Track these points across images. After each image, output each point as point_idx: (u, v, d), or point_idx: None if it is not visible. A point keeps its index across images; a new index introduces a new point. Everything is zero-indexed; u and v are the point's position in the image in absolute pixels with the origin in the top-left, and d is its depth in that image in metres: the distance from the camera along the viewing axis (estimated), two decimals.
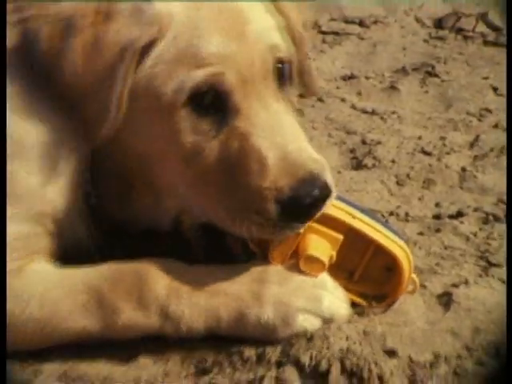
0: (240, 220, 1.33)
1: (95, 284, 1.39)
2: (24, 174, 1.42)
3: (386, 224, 1.44)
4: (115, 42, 1.34)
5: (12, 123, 1.42)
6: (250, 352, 1.28)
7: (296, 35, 1.48)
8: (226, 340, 1.34)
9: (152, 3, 1.37)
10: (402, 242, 1.38)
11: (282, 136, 1.36)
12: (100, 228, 1.52)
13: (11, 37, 1.44)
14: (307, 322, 1.34)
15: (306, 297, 1.35)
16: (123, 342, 1.37)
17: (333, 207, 1.36)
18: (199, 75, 1.33)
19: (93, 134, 1.38)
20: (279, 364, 1.26)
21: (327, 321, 1.34)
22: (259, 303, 1.35)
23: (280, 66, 1.41)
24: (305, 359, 1.24)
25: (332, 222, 1.36)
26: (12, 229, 1.42)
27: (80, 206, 1.48)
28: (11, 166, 1.40)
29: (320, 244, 1.36)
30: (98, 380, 1.30)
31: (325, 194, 1.30)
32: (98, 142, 1.38)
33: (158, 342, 1.35)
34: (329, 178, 1.33)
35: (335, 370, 1.22)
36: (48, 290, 1.39)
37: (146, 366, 1.33)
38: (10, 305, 1.37)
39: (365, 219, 1.39)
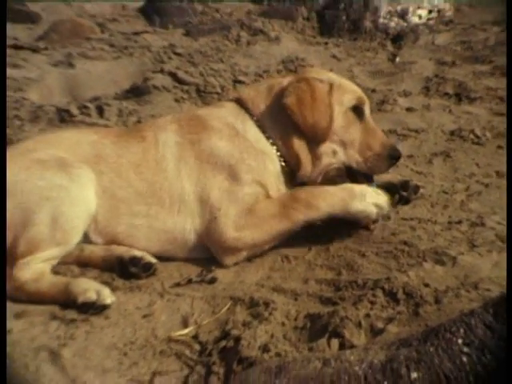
0: (370, 162, 2.04)
1: (285, 200, 1.91)
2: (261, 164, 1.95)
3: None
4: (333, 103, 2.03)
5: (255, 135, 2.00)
6: (360, 281, 1.65)
7: None
8: (347, 275, 1.71)
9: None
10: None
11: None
12: (289, 185, 2.04)
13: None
14: (362, 206, 1.89)
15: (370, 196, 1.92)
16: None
17: None
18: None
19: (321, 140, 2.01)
20: (373, 288, 1.62)
21: (379, 209, 1.90)
22: (351, 199, 1.90)
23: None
24: (386, 286, 1.60)
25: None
26: (247, 189, 1.89)
27: (280, 175, 2.03)
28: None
29: None
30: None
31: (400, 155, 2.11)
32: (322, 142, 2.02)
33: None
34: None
35: (400, 292, 1.56)
36: (265, 206, 1.89)
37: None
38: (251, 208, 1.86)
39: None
